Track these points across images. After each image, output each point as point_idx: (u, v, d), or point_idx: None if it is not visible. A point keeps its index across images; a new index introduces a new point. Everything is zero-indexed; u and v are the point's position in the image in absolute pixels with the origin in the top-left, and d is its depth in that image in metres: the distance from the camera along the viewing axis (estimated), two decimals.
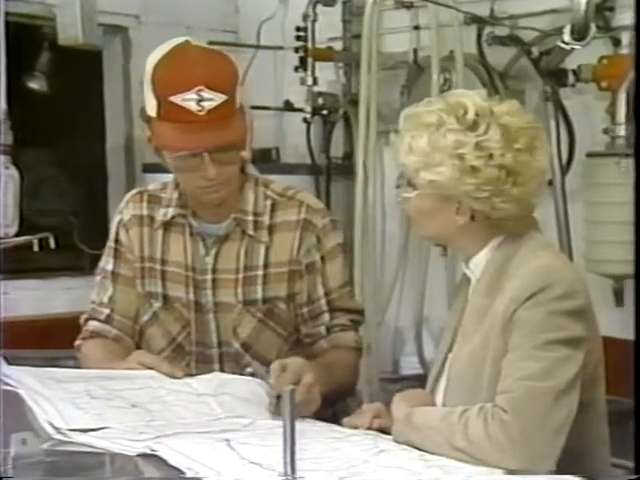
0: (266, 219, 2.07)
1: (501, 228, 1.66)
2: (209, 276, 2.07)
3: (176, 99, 1.90)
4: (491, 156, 1.60)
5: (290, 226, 2.07)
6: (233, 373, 2.00)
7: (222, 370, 2.06)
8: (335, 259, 2.11)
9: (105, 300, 2.15)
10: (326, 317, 2.10)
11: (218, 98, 1.91)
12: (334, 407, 2.03)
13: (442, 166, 1.60)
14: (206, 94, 1.90)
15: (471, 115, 1.62)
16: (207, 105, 1.90)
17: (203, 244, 2.09)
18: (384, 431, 1.69)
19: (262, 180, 2.13)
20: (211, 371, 2.04)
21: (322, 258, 2.09)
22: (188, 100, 1.90)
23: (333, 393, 2.04)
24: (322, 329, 2.11)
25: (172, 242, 2.11)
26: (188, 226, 2.09)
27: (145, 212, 2.14)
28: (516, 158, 1.61)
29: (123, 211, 2.16)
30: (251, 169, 2.13)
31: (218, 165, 1.95)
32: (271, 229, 2.07)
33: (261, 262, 2.07)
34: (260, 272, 2.07)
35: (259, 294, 2.07)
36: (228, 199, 2.05)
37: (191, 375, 1.97)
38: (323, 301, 2.10)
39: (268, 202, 2.09)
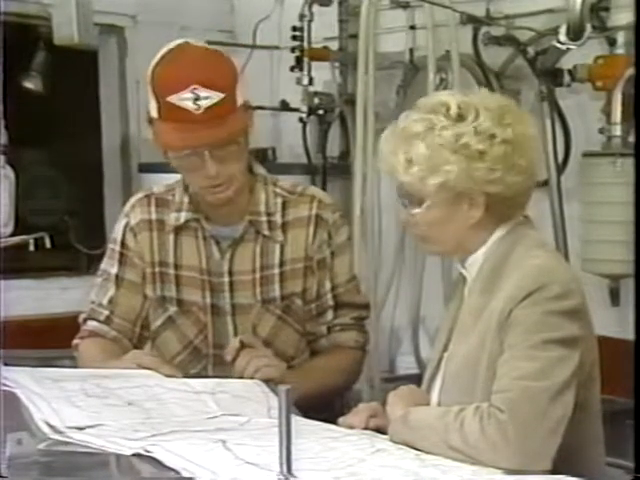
0: (278, 218, 2.09)
1: (515, 208, 1.67)
2: (226, 279, 2.08)
3: (173, 99, 1.92)
4: (493, 136, 1.61)
5: (302, 222, 2.09)
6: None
7: None
8: (344, 254, 2.14)
9: (105, 302, 2.15)
10: (330, 315, 2.13)
11: (215, 96, 1.92)
12: (330, 406, 2.04)
13: (448, 163, 1.60)
14: (202, 92, 1.91)
15: (454, 109, 1.63)
16: (203, 103, 1.91)
17: (217, 247, 2.09)
18: (380, 431, 1.69)
19: (271, 179, 2.14)
20: (228, 373, 2.04)
21: (332, 253, 2.11)
22: (184, 99, 1.91)
23: (327, 394, 2.05)
24: (323, 328, 2.13)
25: (184, 246, 2.11)
26: (201, 230, 2.09)
27: (154, 216, 2.13)
28: (513, 131, 1.63)
29: (129, 215, 2.15)
30: (259, 168, 2.14)
31: (219, 163, 1.96)
32: (284, 227, 2.09)
33: (277, 260, 2.08)
34: (276, 270, 2.08)
35: (277, 292, 2.09)
36: (239, 200, 2.05)
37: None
38: (329, 296, 2.12)
39: (279, 200, 2.10)
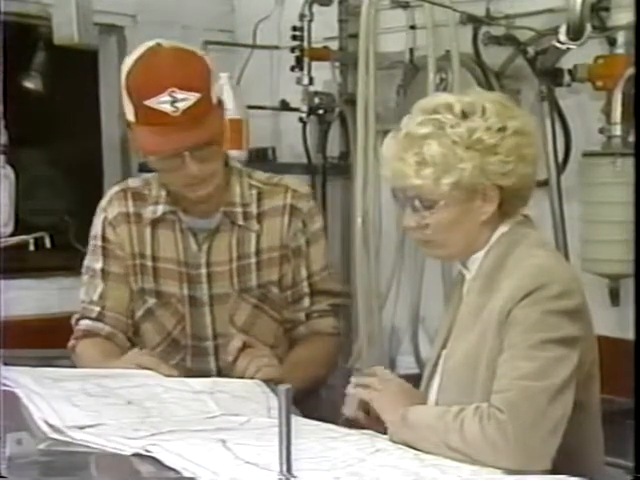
0: (254, 208, 2.12)
1: (520, 203, 1.68)
2: (203, 270, 2.10)
3: (151, 103, 1.93)
4: (504, 128, 1.62)
5: (277, 212, 2.12)
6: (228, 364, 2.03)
7: (217, 361, 2.10)
8: (318, 242, 2.17)
9: (95, 298, 2.16)
10: (306, 302, 2.15)
11: (192, 97, 1.93)
12: (309, 397, 2.06)
13: (463, 161, 1.60)
14: (179, 94, 1.92)
15: (459, 107, 1.63)
16: (181, 105, 1.92)
17: (194, 239, 2.11)
18: (379, 431, 1.69)
19: (245, 171, 2.17)
20: (207, 364, 2.09)
21: (307, 242, 2.14)
22: (163, 103, 1.92)
23: (314, 385, 2.08)
24: (301, 315, 2.16)
25: (162, 238, 2.13)
26: (178, 222, 2.12)
27: (131, 209, 2.15)
28: (520, 122, 1.64)
29: (107, 209, 2.18)
30: (234, 162, 2.17)
31: (199, 162, 1.98)
32: (260, 217, 2.12)
33: (253, 250, 2.11)
34: (253, 260, 2.11)
35: (253, 281, 2.11)
36: (215, 193, 2.07)
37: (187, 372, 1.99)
38: (305, 283, 2.15)
39: (254, 191, 2.13)
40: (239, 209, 2.10)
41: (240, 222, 2.10)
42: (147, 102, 1.93)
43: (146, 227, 2.13)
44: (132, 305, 2.16)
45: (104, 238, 2.16)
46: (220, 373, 2.09)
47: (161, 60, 1.98)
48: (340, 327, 2.21)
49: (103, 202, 2.19)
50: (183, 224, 2.11)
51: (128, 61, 2.01)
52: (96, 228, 2.18)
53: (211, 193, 2.04)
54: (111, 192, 2.20)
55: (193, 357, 2.12)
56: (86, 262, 2.20)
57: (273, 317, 2.14)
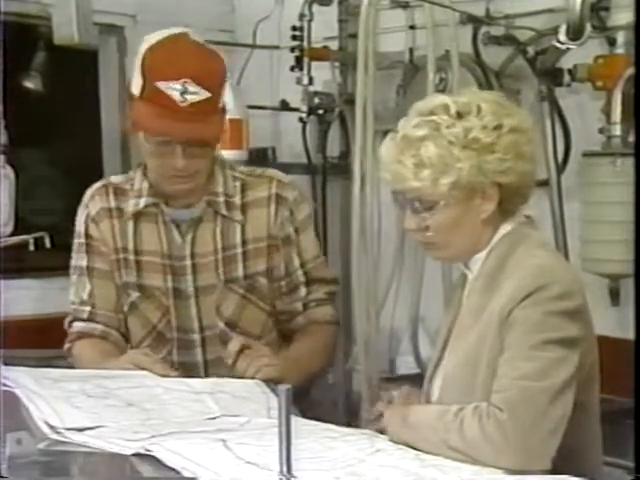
0: (237, 199, 2.12)
1: (520, 201, 1.68)
2: (188, 262, 2.10)
3: (161, 85, 1.94)
4: (500, 126, 1.62)
5: (262, 202, 2.12)
6: (216, 356, 2.04)
7: (204, 354, 2.10)
8: (307, 230, 2.17)
9: (85, 297, 2.16)
10: (303, 291, 2.15)
11: (202, 93, 1.95)
12: (310, 391, 2.07)
13: (460, 161, 1.60)
14: (191, 87, 1.93)
15: (454, 108, 1.63)
16: (190, 98, 1.93)
17: (178, 231, 2.11)
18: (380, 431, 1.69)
19: (228, 163, 2.17)
20: (194, 356, 2.09)
21: (296, 230, 2.14)
22: (173, 89, 1.93)
23: (310, 380, 2.08)
24: (298, 305, 2.15)
25: (145, 232, 2.13)
26: (161, 214, 2.11)
27: (113, 204, 2.15)
28: (517, 120, 1.65)
29: (89, 205, 2.17)
30: (218, 153, 2.16)
31: (188, 158, 1.99)
32: (244, 208, 2.11)
33: (238, 240, 2.11)
34: (239, 250, 2.11)
35: (240, 272, 2.10)
36: (196, 189, 2.07)
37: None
38: (300, 272, 2.15)
39: (237, 183, 2.13)
40: (222, 198, 2.10)
41: (223, 212, 2.10)
42: (158, 84, 1.94)
43: (129, 221, 2.13)
44: (121, 301, 2.16)
45: (87, 235, 2.16)
46: (207, 365, 2.10)
47: (185, 49, 1.99)
48: (337, 315, 2.21)
49: (85, 199, 2.19)
50: (166, 216, 2.11)
51: (152, 37, 2.01)
52: (79, 226, 2.18)
53: (192, 189, 2.05)
54: (92, 189, 2.20)
55: (179, 350, 2.12)
56: (72, 261, 2.20)
57: (261, 308, 2.14)
